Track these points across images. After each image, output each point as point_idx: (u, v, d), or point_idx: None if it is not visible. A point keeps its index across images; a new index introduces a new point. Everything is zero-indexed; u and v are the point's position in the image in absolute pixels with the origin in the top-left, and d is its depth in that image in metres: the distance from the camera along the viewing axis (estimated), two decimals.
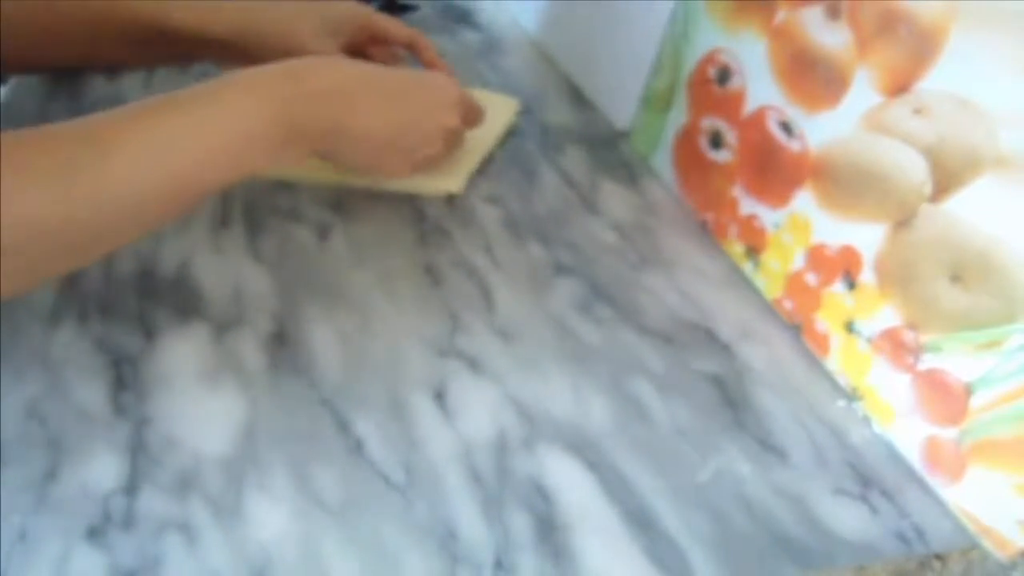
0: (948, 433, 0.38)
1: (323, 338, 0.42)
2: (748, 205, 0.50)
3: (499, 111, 0.61)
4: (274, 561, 0.32)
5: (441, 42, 0.70)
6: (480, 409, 0.39)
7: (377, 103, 0.46)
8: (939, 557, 0.37)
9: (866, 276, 0.42)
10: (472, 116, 0.53)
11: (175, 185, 0.37)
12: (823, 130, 0.44)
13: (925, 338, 0.39)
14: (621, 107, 0.63)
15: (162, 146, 0.37)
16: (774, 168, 0.47)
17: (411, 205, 0.53)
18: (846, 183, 0.43)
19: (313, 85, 0.43)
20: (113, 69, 0.62)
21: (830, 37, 0.43)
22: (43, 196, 0.33)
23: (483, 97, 0.58)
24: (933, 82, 0.38)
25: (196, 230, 0.48)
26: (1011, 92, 0.34)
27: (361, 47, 0.59)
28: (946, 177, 0.37)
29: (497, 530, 0.34)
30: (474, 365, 0.42)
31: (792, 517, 0.37)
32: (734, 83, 0.50)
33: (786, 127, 0.46)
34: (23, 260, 0.33)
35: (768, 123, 0.48)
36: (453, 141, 0.52)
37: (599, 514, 0.36)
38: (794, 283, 0.47)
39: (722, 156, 0.52)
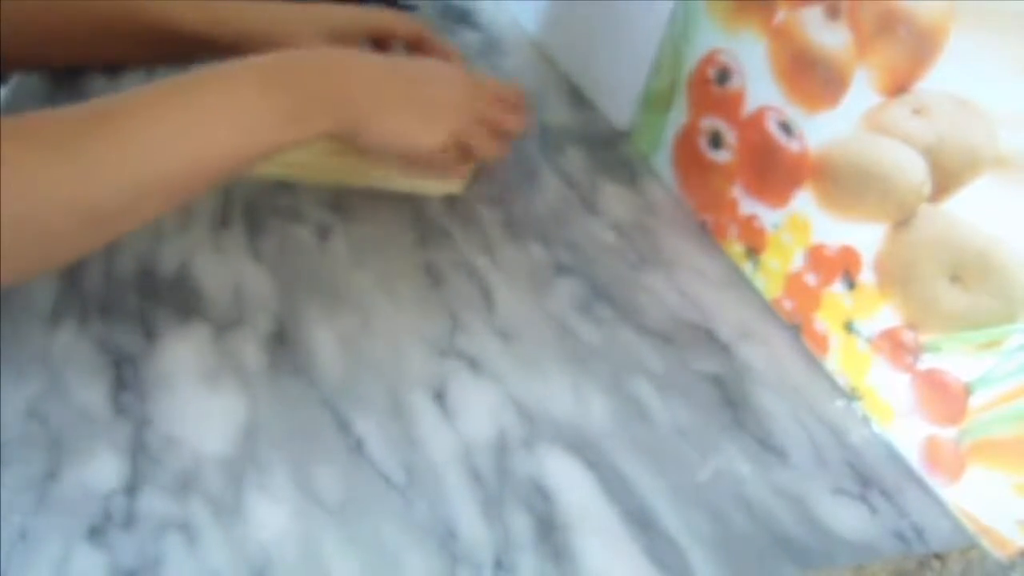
0: (947, 433, 0.38)
1: (323, 338, 0.42)
2: (748, 205, 0.50)
3: None
4: (274, 561, 0.32)
5: None
6: (480, 409, 0.39)
7: (379, 69, 0.46)
8: (938, 557, 0.37)
9: (865, 276, 0.42)
10: (491, 92, 0.52)
11: (183, 163, 0.37)
12: (823, 130, 0.44)
13: (924, 338, 0.39)
14: (621, 107, 0.63)
15: (169, 124, 0.37)
16: (774, 168, 0.47)
17: (411, 205, 0.53)
18: (846, 183, 0.43)
19: (312, 57, 0.43)
20: (114, 69, 0.62)
21: (830, 37, 0.43)
22: (49, 170, 0.33)
23: None
24: (932, 82, 0.38)
25: (196, 230, 0.48)
26: (1011, 92, 0.34)
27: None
28: (945, 177, 0.37)
29: (497, 530, 0.34)
30: (474, 365, 0.42)
31: (792, 517, 0.37)
32: (734, 83, 0.50)
33: (786, 127, 0.46)
34: (28, 239, 0.33)
35: (768, 123, 0.48)
36: (481, 118, 0.50)
37: (599, 514, 0.36)
38: (794, 283, 0.47)
39: (722, 156, 0.52)
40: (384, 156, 0.48)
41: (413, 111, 0.46)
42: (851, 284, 0.42)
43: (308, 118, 0.42)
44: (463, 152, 0.49)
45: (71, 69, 0.62)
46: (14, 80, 0.60)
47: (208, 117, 0.38)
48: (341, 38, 0.56)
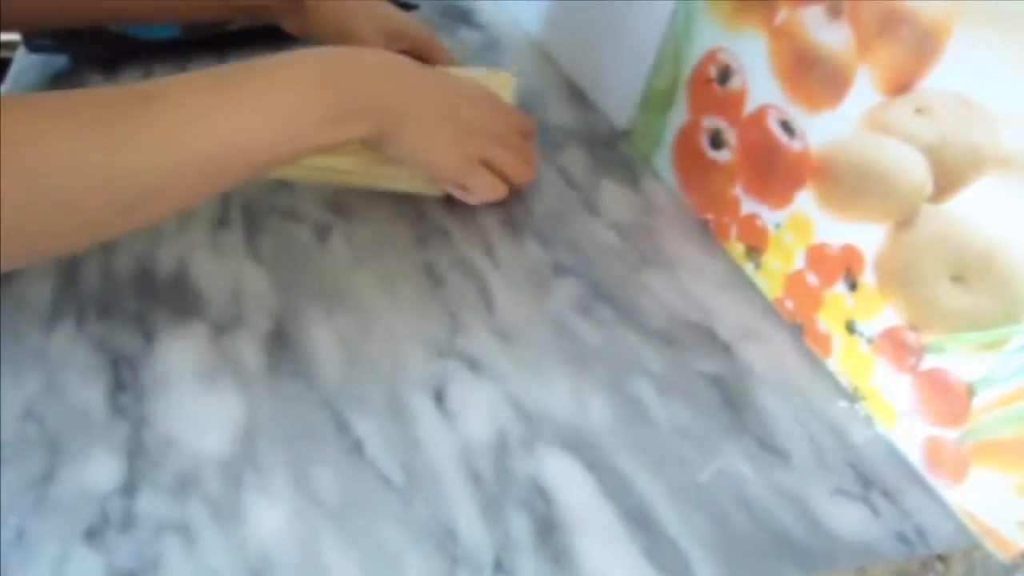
0: (950, 434, 0.38)
1: (323, 338, 0.42)
2: (749, 205, 0.50)
3: (496, 89, 0.60)
4: (273, 562, 0.32)
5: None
6: (480, 409, 0.39)
7: (426, 82, 0.46)
8: (941, 558, 0.37)
9: (867, 276, 0.41)
10: (517, 121, 0.54)
11: (218, 153, 0.37)
12: (824, 130, 0.44)
13: (927, 338, 0.39)
14: (621, 107, 0.63)
15: (211, 111, 0.36)
16: (775, 168, 0.47)
17: (411, 205, 0.53)
18: (847, 183, 0.43)
19: (366, 60, 0.43)
20: (113, 67, 0.62)
21: (831, 36, 0.43)
22: (85, 149, 0.32)
23: (478, 75, 0.58)
24: (935, 81, 0.38)
25: (195, 230, 0.48)
26: (1013, 91, 0.34)
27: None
28: (948, 177, 0.37)
29: (497, 530, 0.34)
30: (474, 365, 0.42)
31: (793, 517, 0.37)
32: (734, 83, 0.50)
33: (787, 127, 0.46)
34: (58, 217, 0.32)
35: (769, 123, 0.47)
36: (510, 145, 0.51)
37: (599, 514, 0.35)
38: (795, 283, 0.46)
39: (723, 156, 0.52)
40: (403, 165, 0.49)
41: (445, 129, 0.47)
42: (853, 284, 0.42)
43: (351, 121, 0.41)
44: (497, 174, 0.50)
45: (70, 72, 0.62)
46: (11, 80, 0.60)
47: (254, 108, 0.37)
48: (392, 41, 0.59)
